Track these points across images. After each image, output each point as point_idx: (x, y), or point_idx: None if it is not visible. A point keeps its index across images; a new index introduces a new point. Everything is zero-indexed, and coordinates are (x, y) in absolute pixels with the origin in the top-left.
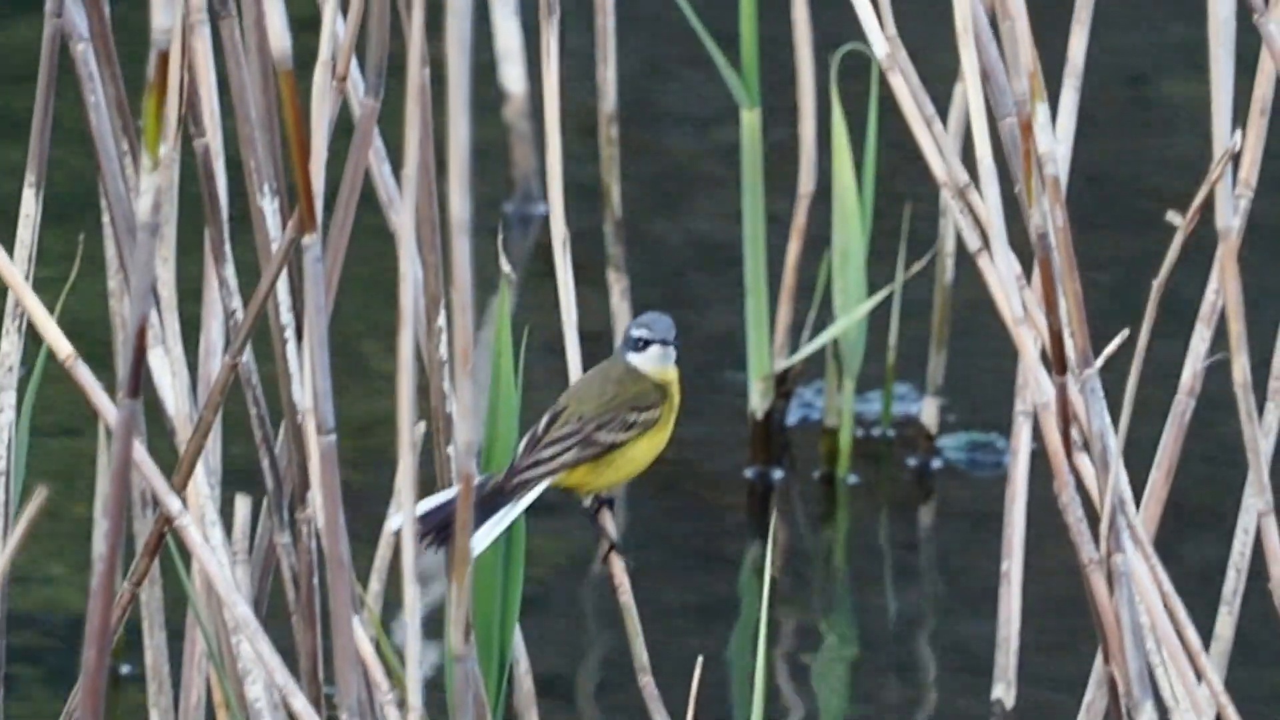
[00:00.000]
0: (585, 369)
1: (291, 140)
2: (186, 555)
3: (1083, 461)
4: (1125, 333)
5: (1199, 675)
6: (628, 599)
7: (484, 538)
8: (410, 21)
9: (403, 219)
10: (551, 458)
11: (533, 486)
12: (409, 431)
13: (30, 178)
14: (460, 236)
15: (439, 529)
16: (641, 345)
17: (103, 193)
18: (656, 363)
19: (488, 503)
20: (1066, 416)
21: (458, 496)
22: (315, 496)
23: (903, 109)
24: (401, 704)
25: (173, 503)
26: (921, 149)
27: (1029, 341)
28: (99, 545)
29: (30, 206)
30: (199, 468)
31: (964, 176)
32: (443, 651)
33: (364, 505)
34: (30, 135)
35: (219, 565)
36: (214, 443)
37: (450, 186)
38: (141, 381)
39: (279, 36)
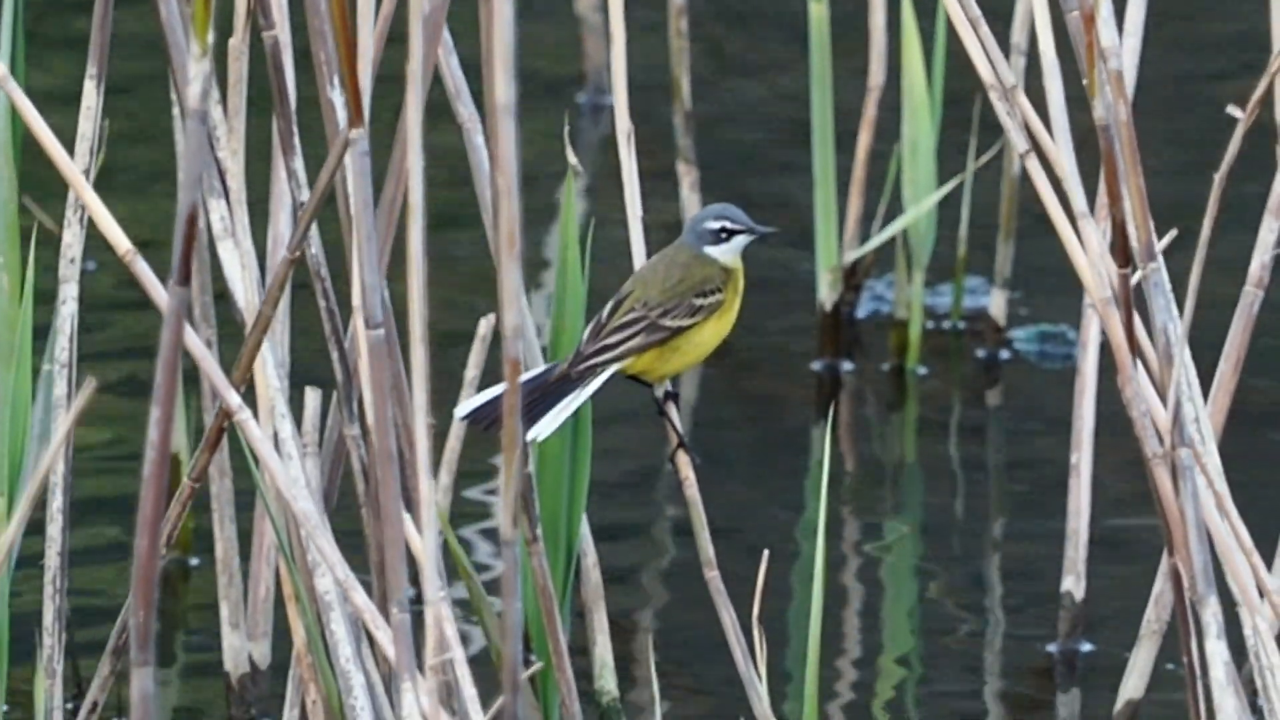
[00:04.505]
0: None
1: (338, 36)
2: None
3: (1149, 355)
4: (1174, 232)
5: (1257, 583)
6: (694, 493)
7: (550, 423)
8: None
9: (410, 114)
10: (617, 344)
11: (599, 373)
12: (420, 326)
13: (91, 70)
14: (504, 119)
15: (501, 418)
16: (725, 236)
17: (172, 85)
18: (736, 253)
19: (553, 389)
20: (1130, 310)
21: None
22: (343, 391)
23: (949, 12)
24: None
25: (232, 397)
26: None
27: (1092, 236)
28: (151, 433)
29: (91, 99)
30: (269, 361)
31: (1011, 79)
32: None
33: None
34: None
35: (280, 460)
36: (283, 335)
37: (494, 69)
38: (193, 270)
39: None
